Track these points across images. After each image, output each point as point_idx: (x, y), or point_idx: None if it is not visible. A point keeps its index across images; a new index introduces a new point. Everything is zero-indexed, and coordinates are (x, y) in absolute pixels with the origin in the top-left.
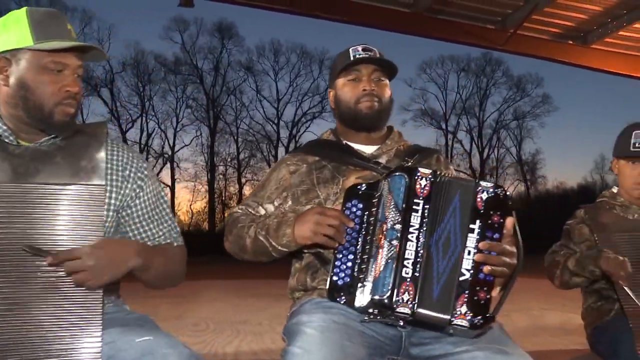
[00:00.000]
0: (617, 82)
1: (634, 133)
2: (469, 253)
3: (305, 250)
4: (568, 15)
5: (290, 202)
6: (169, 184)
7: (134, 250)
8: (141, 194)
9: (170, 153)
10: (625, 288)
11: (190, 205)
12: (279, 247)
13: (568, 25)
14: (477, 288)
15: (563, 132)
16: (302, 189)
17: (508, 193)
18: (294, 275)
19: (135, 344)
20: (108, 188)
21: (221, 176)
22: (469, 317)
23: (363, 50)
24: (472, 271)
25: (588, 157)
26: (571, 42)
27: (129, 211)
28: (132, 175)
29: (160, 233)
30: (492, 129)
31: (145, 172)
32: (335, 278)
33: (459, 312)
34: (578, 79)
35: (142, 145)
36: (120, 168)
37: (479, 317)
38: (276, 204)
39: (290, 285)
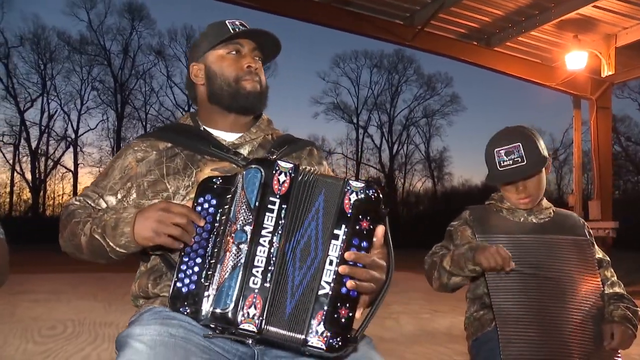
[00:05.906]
0: (518, 85)
1: (495, 152)
2: (330, 263)
3: (150, 252)
4: (473, 16)
5: (134, 195)
6: (72, 168)
7: None
8: None
9: (73, 136)
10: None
11: None
12: (117, 248)
13: (473, 27)
14: (339, 304)
15: (469, 131)
16: (149, 180)
17: (381, 195)
18: (136, 280)
19: None
20: None
21: None
22: (326, 338)
23: (241, 25)
24: (333, 284)
25: None
26: (475, 43)
27: None
28: None
29: None
30: (402, 125)
31: None
32: (179, 284)
33: (315, 332)
34: (484, 80)
35: (42, 127)
36: None
37: (338, 339)
38: (119, 196)
39: (132, 291)
